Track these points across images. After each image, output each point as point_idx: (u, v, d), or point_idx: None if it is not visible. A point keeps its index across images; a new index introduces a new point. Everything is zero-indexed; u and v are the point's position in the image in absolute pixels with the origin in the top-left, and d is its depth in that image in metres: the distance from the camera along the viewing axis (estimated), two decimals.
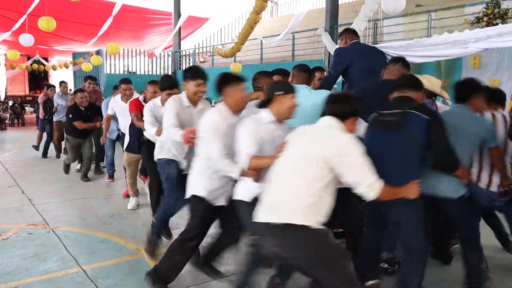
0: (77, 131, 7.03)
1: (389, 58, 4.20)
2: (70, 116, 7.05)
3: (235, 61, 15.53)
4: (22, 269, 3.63)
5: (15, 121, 18.64)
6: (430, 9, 10.23)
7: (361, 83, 3.66)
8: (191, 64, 21.28)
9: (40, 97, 10.35)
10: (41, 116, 9.87)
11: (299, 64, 3.83)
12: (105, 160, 7.26)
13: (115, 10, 12.67)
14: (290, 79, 3.77)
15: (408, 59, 3.74)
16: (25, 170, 8.05)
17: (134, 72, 21.52)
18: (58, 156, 9.30)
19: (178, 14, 18.28)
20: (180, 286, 3.38)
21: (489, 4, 8.33)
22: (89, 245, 4.22)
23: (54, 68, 22.33)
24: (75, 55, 20.47)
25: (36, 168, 8.28)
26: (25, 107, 21.23)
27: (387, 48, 4.14)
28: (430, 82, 3.48)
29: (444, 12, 9.63)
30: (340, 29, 12.65)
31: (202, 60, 21.50)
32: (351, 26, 8.75)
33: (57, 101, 9.20)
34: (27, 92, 28.90)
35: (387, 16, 8.56)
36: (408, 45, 3.90)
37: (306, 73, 3.70)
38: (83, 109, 7.07)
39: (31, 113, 20.66)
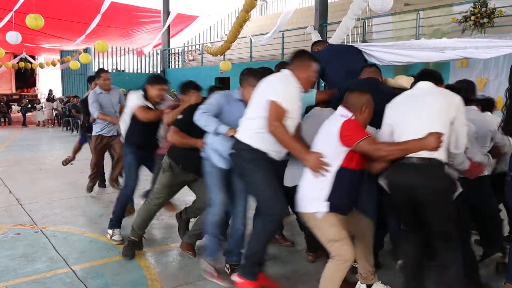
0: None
1: (371, 57, 4.23)
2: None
3: (224, 59, 15.50)
4: (10, 269, 3.58)
5: (1, 120, 18.38)
6: (419, 8, 10.31)
7: (341, 82, 3.67)
8: (180, 62, 21.20)
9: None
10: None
11: (282, 62, 3.84)
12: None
13: (104, 8, 12.56)
14: None
15: (391, 59, 3.91)
16: (12, 170, 7.96)
17: (123, 71, 21.38)
18: (102, 185, 6.54)
19: (167, 12, 18.22)
20: (172, 285, 3.37)
21: (476, 4, 8.42)
22: (78, 245, 4.17)
23: (41, 66, 22.15)
24: (63, 53, 20.28)
25: (24, 168, 8.19)
26: (12, 106, 20.95)
27: (367, 47, 4.16)
28: (397, 80, 3.65)
29: (432, 11, 9.73)
30: (329, 28, 12.72)
31: (191, 58, 21.42)
32: (340, 25, 8.83)
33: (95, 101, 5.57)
34: (14, 91, 28.59)
35: (376, 15, 8.61)
36: (390, 46, 3.98)
37: None
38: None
39: (18, 112, 20.41)
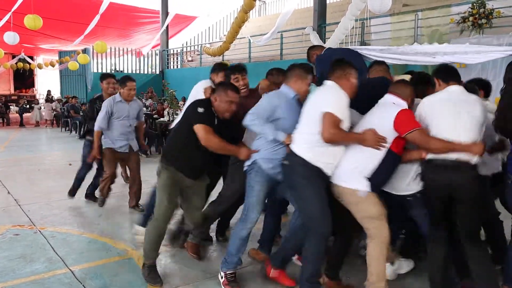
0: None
1: (369, 59, 4.25)
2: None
3: (223, 60, 15.51)
4: (8, 270, 3.58)
5: (0, 120, 18.35)
6: (417, 9, 10.33)
7: None
8: (179, 63, 21.21)
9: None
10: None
11: (301, 63, 3.83)
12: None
13: (102, 8, 12.55)
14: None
15: (386, 60, 3.99)
16: (11, 170, 7.95)
17: (121, 71, 21.36)
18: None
19: (165, 13, 18.22)
20: (171, 285, 3.38)
21: (474, 4, 8.43)
22: (76, 246, 4.17)
23: (40, 67, 22.12)
24: (61, 54, 20.26)
25: (22, 168, 8.18)
26: (10, 106, 20.92)
27: (362, 50, 4.19)
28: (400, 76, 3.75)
29: (430, 12, 9.74)
30: (328, 28, 12.73)
31: (190, 58, 21.41)
32: (339, 25, 8.84)
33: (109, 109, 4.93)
34: (12, 91, 28.56)
35: (374, 15, 8.63)
36: (384, 50, 4.06)
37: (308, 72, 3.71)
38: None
39: (16, 113, 20.35)
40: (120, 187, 6.51)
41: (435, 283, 2.97)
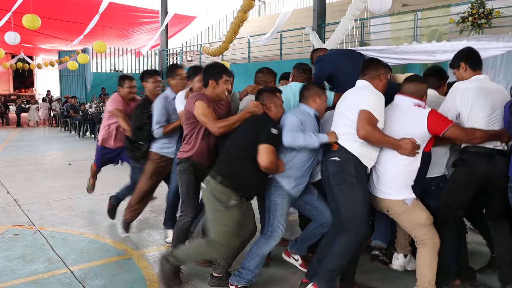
0: None
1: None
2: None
3: (222, 59, 15.51)
4: (8, 270, 3.58)
5: None
6: (417, 9, 10.33)
7: (351, 84, 3.69)
8: (178, 62, 21.20)
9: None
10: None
11: (299, 63, 3.82)
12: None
13: (102, 8, 12.55)
14: (290, 79, 3.83)
15: (386, 60, 4.00)
16: (10, 170, 7.94)
17: (121, 71, 21.36)
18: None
19: (165, 12, 18.22)
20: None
21: (474, 4, 8.44)
22: (76, 246, 4.16)
23: (39, 66, 22.10)
24: (61, 54, 20.25)
25: (22, 168, 8.17)
26: (10, 106, 20.90)
27: (363, 51, 4.19)
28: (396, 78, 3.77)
29: (430, 12, 9.74)
30: (327, 28, 12.73)
31: (189, 58, 21.42)
32: (339, 25, 8.84)
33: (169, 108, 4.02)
34: (12, 91, 28.55)
35: (373, 15, 8.63)
36: (384, 50, 4.09)
37: (306, 73, 3.70)
38: None
39: (14, 112, 20.32)
40: (119, 187, 6.49)
41: (444, 264, 3.05)
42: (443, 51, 3.56)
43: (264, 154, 2.91)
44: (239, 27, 8.84)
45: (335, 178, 2.90)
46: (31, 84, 29.32)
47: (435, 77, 3.41)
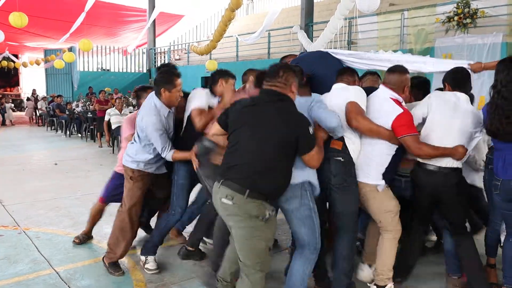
0: None
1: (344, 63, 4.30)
2: None
3: (210, 58, 15.47)
4: None
5: None
6: (403, 9, 10.40)
7: (330, 85, 3.71)
8: (166, 61, 21.11)
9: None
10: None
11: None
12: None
13: (88, 6, 12.42)
14: None
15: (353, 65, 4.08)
16: None
17: (108, 70, 21.20)
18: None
19: (152, 11, 18.10)
20: (157, 285, 3.36)
21: (459, 4, 8.53)
22: (62, 246, 4.12)
23: (24, 65, 21.81)
24: (47, 52, 20.02)
25: (7, 168, 8.06)
26: None
27: (337, 55, 4.24)
28: None
29: (416, 11, 9.81)
30: (315, 27, 12.77)
31: (177, 57, 21.33)
32: (328, 24, 8.85)
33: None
34: None
35: (361, 15, 8.66)
36: (352, 54, 4.17)
37: (301, 76, 3.70)
38: None
39: None
40: (101, 187, 6.44)
41: (406, 265, 3.26)
42: (406, 61, 3.65)
43: (314, 160, 2.60)
44: (226, 26, 8.82)
45: (337, 178, 2.91)
46: (16, 83, 28.93)
47: (420, 91, 3.50)
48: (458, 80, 3.04)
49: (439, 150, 2.87)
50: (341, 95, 3.02)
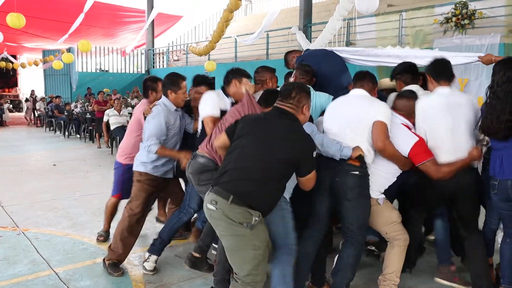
0: None
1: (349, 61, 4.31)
2: None
3: (209, 59, 15.47)
4: None
5: None
6: (401, 9, 10.43)
7: (335, 82, 3.72)
8: (165, 63, 21.12)
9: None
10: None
11: (301, 64, 3.80)
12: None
13: (87, 7, 12.42)
14: (292, 79, 3.76)
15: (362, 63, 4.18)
16: None
17: (106, 71, 21.20)
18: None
19: (151, 12, 18.11)
20: (156, 286, 3.37)
21: (457, 5, 8.55)
22: (61, 247, 4.12)
23: (23, 66, 21.76)
24: (45, 53, 20.01)
25: (6, 169, 8.06)
26: None
27: (342, 53, 4.25)
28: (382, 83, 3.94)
29: (414, 12, 9.83)
30: (314, 28, 12.79)
31: (176, 58, 21.33)
32: (327, 25, 8.87)
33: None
34: None
35: (360, 15, 8.68)
36: (358, 51, 4.21)
37: (308, 75, 3.69)
38: None
39: None
40: (104, 187, 6.45)
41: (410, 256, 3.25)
42: (414, 56, 3.67)
43: (310, 182, 2.61)
44: (225, 26, 8.83)
45: (353, 192, 2.87)
46: (14, 84, 28.90)
47: (407, 74, 3.50)
48: (439, 70, 3.05)
49: (456, 165, 2.89)
50: (365, 106, 2.95)
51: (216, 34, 9.39)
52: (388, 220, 3.06)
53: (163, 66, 21.09)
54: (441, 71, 3.04)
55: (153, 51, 20.59)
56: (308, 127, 2.78)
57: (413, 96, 3.09)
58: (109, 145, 10.23)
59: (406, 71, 3.52)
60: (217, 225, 2.45)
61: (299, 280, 2.89)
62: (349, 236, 2.99)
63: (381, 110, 2.89)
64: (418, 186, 3.19)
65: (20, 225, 4.74)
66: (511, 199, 2.73)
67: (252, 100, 3.13)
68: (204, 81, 3.86)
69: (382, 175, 3.02)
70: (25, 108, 18.22)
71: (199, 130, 3.54)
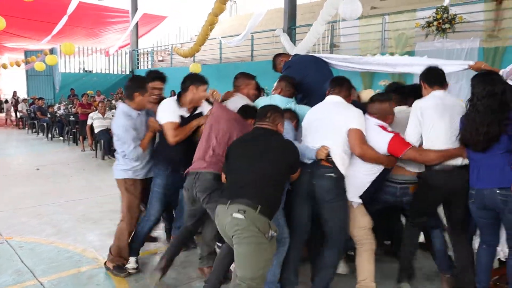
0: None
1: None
2: None
3: (194, 61, 15.46)
4: None
5: None
6: (384, 13, 10.58)
7: (320, 91, 3.78)
8: (149, 63, 21.00)
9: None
10: None
11: (286, 76, 3.86)
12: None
13: (70, 10, 12.31)
14: (277, 91, 3.76)
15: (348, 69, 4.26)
16: None
17: (90, 71, 21.00)
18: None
19: (135, 12, 18.02)
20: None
21: (438, 10, 8.73)
22: (45, 256, 4.11)
23: (4, 67, 21.39)
24: (27, 53, 19.72)
25: None
26: None
27: (328, 59, 4.33)
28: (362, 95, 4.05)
29: (397, 16, 9.99)
30: (298, 30, 12.87)
31: (160, 59, 21.23)
32: (311, 29, 8.96)
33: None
34: None
35: (344, 19, 8.80)
36: (347, 59, 4.30)
37: (294, 88, 3.76)
38: None
39: None
40: (89, 192, 6.44)
41: (405, 265, 3.35)
42: (403, 64, 3.76)
43: (298, 174, 3.00)
44: (210, 30, 8.85)
45: (330, 194, 3.00)
46: None
47: (395, 94, 3.57)
48: (433, 77, 3.16)
49: (444, 153, 2.98)
50: (341, 112, 3.10)
51: (200, 37, 9.42)
52: (359, 224, 3.17)
53: (147, 67, 20.99)
54: (435, 78, 3.15)
55: (137, 52, 20.47)
56: (286, 135, 3.08)
57: (385, 98, 3.22)
58: (93, 148, 10.15)
59: (393, 91, 3.62)
60: (240, 234, 2.60)
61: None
62: (331, 238, 3.09)
63: (354, 117, 3.04)
64: (415, 193, 3.23)
65: (4, 233, 4.70)
66: (487, 208, 2.83)
67: (223, 106, 3.41)
68: (159, 77, 3.97)
69: (361, 177, 3.10)
70: (5, 110, 17.96)
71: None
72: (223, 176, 2.97)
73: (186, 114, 3.54)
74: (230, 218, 2.61)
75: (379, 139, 3.04)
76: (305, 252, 3.49)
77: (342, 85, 3.23)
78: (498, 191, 2.73)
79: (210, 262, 3.53)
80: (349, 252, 3.81)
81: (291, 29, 12.88)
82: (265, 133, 2.89)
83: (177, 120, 3.46)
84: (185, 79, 3.56)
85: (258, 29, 14.36)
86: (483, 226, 2.98)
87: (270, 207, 2.68)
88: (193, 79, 3.52)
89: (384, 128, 3.09)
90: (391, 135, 3.03)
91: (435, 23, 8.78)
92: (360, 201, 3.14)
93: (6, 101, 19.28)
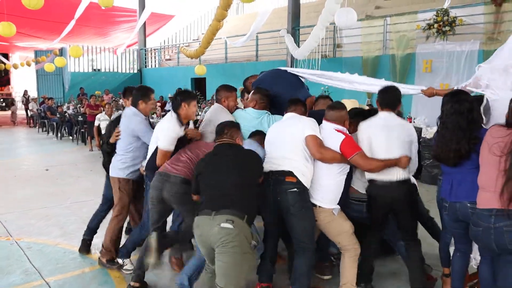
0: None
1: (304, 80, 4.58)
2: None
3: (200, 61, 15.64)
4: None
5: None
6: (387, 14, 10.67)
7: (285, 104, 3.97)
8: (157, 61, 21.20)
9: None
10: None
11: (259, 88, 4.09)
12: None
13: (81, 9, 12.54)
14: (251, 103, 4.01)
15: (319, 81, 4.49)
16: None
17: (99, 70, 21.29)
18: None
19: (142, 11, 18.23)
20: None
21: (439, 12, 8.81)
22: (52, 257, 4.34)
23: (15, 66, 21.73)
24: (37, 53, 20.07)
25: None
26: None
27: (298, 72, 4.55)
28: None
29: (398, 17, 10.08)
30: (302, 31, 12.99)
31: (168, 57, 21.43)
32: (311, 34, 9.08)
33: None
34: None
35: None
36: (314, 74, 4.54)
37: (268, 98, 4.01)
38: None
39: None
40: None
41: (365, 272, 3.55)
42: (364, 83, 4.09)
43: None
44: (214, 34, 9.03)
45: (295, 207, 3.21)
46: (7, 82, 28.92)
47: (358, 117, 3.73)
48: (386, 99, 3.43)
49: (385, 162, 3.24)
50: (296, 124, 3.39)
51: (205, 40, 9.60)
52: (340, 230, 3.34)
53: (155, 66, 21.22)
54: (386, 100, 3.42)
55: (145, 51, 20.70)
56: (250, 145, 3.45)
57: (341, 106, 3.45)
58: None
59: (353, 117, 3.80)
60: (228, 243, 2.71)
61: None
62: (299, 246, 3.31)
63: (307, 126, 3.31)
64: (366, 205, 3.51)
65: (13, 234, 4.94)
66: (460, 220, 2.98)
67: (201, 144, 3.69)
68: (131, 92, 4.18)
69: (332, 183, 3.31)
70: (11, 112, 18.34)
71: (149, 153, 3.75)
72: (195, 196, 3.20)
73: (182, 133, 3.67)
74: (217, 228, 2.72)
75: (335, 140, 3.27)
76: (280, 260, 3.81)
77: (297, 104, 3.57)
78: (469, 205, 2.87)
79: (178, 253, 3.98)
80: (333, 258, 4.03)
81: (295, 30, 12.99)
82: (228, 147, 3.11)
83: (172, 149, 3.59)
84: (175, 97, 3.72)
85: (263, 29, 14.49)
86: (457, 236, 3.14)
87: (252, 216, 2.91)
88: (184, 96, 3.65)
89: (341, 131, 3.32)
90: (343, 137, 3.27)
91: (435, 25, 8.87)
92: (339, 207, 3.32)
93: (13, 103, 19.62)
